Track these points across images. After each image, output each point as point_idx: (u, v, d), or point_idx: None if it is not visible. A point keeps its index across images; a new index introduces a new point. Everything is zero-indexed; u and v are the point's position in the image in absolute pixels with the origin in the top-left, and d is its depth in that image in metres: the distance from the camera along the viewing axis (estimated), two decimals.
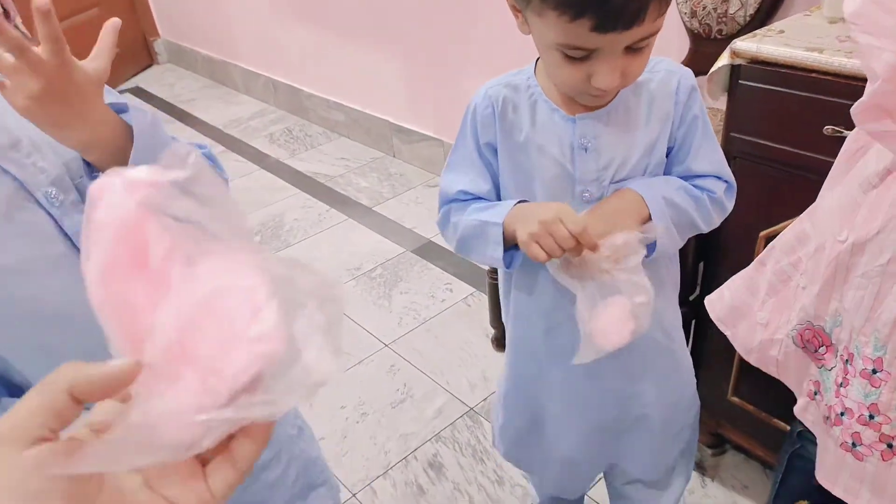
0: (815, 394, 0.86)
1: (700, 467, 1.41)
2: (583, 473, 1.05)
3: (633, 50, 0.68)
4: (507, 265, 0.82)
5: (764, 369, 0.92)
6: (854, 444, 0.77)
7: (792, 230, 0.84)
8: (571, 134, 0.79)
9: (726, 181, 0.85)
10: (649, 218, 0.78)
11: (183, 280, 0.32)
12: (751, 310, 0.89)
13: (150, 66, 4.06)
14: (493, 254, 0.80)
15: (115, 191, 0.32)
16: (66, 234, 0.64)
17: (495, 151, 0.83)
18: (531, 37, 0.74)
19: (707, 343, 1.28)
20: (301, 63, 3.07)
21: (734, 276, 0.93)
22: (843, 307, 0.76)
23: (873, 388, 0.74)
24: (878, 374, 0.73)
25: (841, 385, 0.78)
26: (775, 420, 1.23)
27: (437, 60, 2.39)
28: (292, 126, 3.17)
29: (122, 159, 0.62)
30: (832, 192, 0.80)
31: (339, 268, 2.16)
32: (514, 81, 0.82)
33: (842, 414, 0.78)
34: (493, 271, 1.64)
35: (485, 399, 1.64)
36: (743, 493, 1.36)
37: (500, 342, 1.77)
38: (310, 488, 0.89)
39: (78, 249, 0.64)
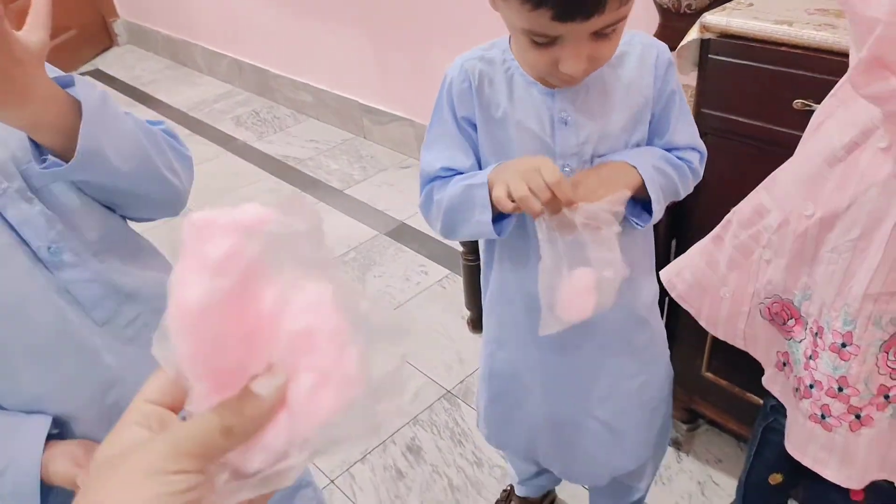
0: (784, 364, 0.87)
1: (675, 443, 1.42)
2: (578, 458, 1.02)
3: (601, 35, 0.67)
4: (499, 232, 0.80)
5: (731, 342, 0.93)
6: (823, 416, 0.78)
7: (749, 203, 0.84)
8: (551, 107, 0.78)
9: (699, 151, 0.86)
10: (640, 185, 0.77)
11: (276, 319, 0.32)
12: (712, 285, 0.89)
13: (109, 47, 3.92)
14: (481, 218, 0.78)
15: (236, 232, 0.31)
16: (9, 225, 0.61)
17: (474, 126, 0.81)
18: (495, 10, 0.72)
19: (680, 319, 1.29)
20: (266, 42, 2.99)
21: (690, 252, 0.93)
22: (813, 281, 0.77)
23: (843, 362, 0.75)
24: (847, 347, 0.74)
25: (811, 357, 0.79)
26: (749, 395, 1.24)
27: (407, 39, 2.34)
28: (259, 108, 3.10)
29: (72, 138, 0.59)
30: (791, 163, 0.80)
31: None
32: (489, 55, 0.80)
33: (811, 386, 0.79)
34: (469, 252, 1.63)
35: (461, 381, 1.64)
36: (717, 467, 1.38)
37: (475, 324, 1.76)
38: (296, 489, 0.87)
39: (24, 241, 0.61)
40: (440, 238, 2.11)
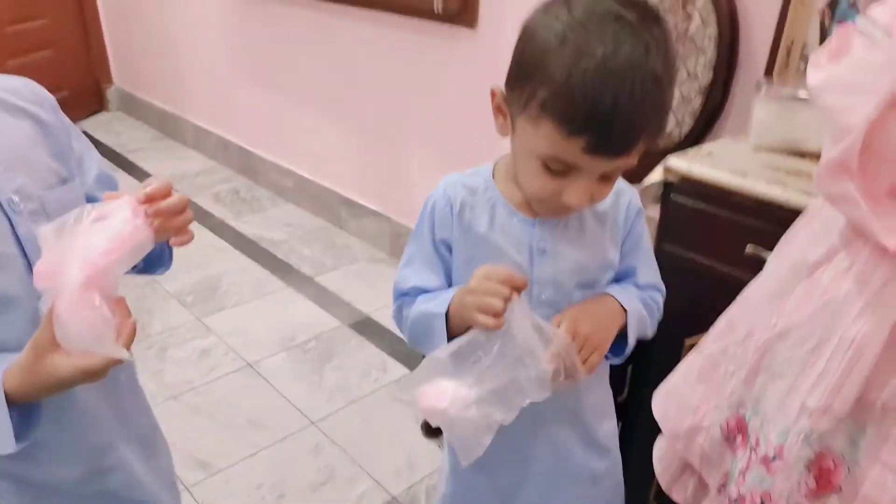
0: (723, 486, 0.87)
1: None
2: None
3: (605, 178, 0.71)
4: None
5: (689, 460, 0.93)
6: None
7: (724, 317, 0.87)
8: (530, 236, 0.81)
9: (661, 291, 0.91)
10: (624, 327, 0.81)
11: None
12: (681, 393, 0.91)
13: (98, 111, 4.00)
14: (440, 345, 0.78)
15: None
16: (18, 239, 0.70)
17: (450, 249, 0.84)
18: (501, 137, 0.77)
19: (633, 445, 1.29)
20: (255, 125, 3.08)
21: (678, 366, 0.96)
22: (763, 395, 0.78)
23: (769, 476, 0.74)
24: (776, 461, 0.74)
25: (743, 473, 0.79)
26: None
27: (392, 140, 2.45)
28: (240, 187, 3.15)
29: None
30: (761, 280, 0.83)
31: (272, 336, 2.10)
32: (472, 184, 0.83)
33: (735, 501, 0.79)
34: None
35: (409, 487, 1.59)
36: None
37: (429, 429, 1.73)
38: None
39: (25, 255, 0.71)
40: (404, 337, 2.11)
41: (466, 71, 2.03)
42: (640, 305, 0.85)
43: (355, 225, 2.71)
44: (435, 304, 0.80)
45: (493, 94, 0.76)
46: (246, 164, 3.20)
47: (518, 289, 0.72)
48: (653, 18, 0.66)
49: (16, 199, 0.70)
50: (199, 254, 2.52)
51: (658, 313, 0.89)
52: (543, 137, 0.68)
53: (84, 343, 0.62)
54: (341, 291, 2.36)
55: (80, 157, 0.83)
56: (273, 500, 1.55)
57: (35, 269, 0.62)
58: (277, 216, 2.90)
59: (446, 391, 0.72)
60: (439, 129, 2.24)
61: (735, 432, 0.84)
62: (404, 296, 0.86)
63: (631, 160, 0.69)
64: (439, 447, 1.71)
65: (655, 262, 0.90)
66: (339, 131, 2.64)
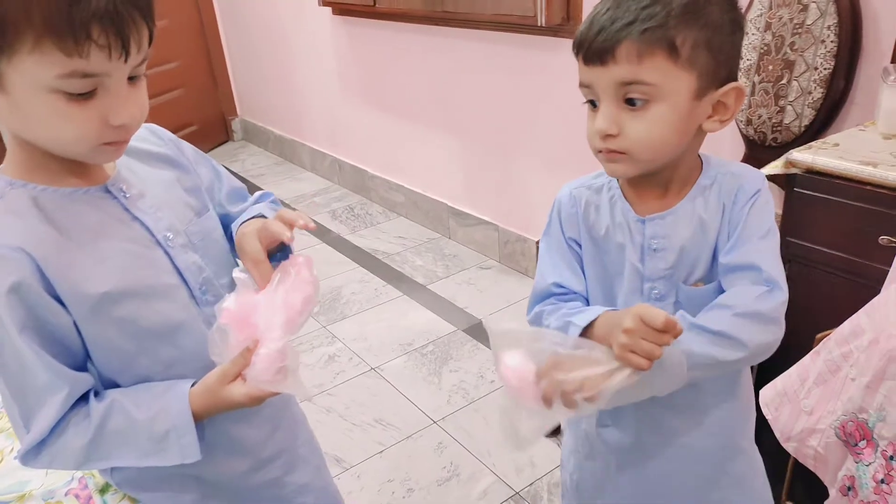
0: (849, 489, 0.86)
1: None
2: None
3: (630, 102, 0.74)
4: None
5: (800, 460, 0.92)
6: None
7: (849, 322, 0.86)
8: (642, 234, 0.83)
9: (767, 285, 0.77)
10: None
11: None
12: (796, 396, 0.90)
13: (225, 142, 4.37)
14: None
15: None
16: (177, 269, 0.79)
17: (580, 245, 0.88)
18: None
19: (761, 445, 1.28)
20: (366, 145, 3.26)
21: (791, 368, 0.95)
22: (889, 402, 0.77)
23: None
24: None
25: (882, 482, 0.78)
26: None
27: (498, 151, 2.52)
28: (354, 204, 3.34)
29: None
30: (890, 287, 0.83)
31: (392, 342, 2.22)
32: (596, 184, 0.88)
33: None
34: None
35: (531, 484, 1.64)
36: None
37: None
38: None
39: (185, 282, 0.80)
40: None
41: (571, 81, 2.07)
42: (695, 340, 0.75)
43: (463, 234, 2.81)
44: (577, 319, 0.79)
45: None
46: (359, 182, 3.39)
47: (676, 336, 0.70)
48: None
49: (169, 235, 0.79)
50: (320, 267, 2.69)
51: (746, 319, 0.76)
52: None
53: (268, 384, 0.74)
54: (454, 298, 2.45)
55: (210, 181, 0.91)
56: (402, 493, 1.64)
57: (225, 306, 0.74)
58: (390, 229, 3.05)
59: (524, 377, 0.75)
60: (545, 138, 2.29)
61: (856, 437, 0.83)
62: (545, 299, 0.88)
63: (639, 68, 0.71)
64: (558, 446, 1.74)
65: (765, 248, 0.78)
66: (446, 146, 2.75)
